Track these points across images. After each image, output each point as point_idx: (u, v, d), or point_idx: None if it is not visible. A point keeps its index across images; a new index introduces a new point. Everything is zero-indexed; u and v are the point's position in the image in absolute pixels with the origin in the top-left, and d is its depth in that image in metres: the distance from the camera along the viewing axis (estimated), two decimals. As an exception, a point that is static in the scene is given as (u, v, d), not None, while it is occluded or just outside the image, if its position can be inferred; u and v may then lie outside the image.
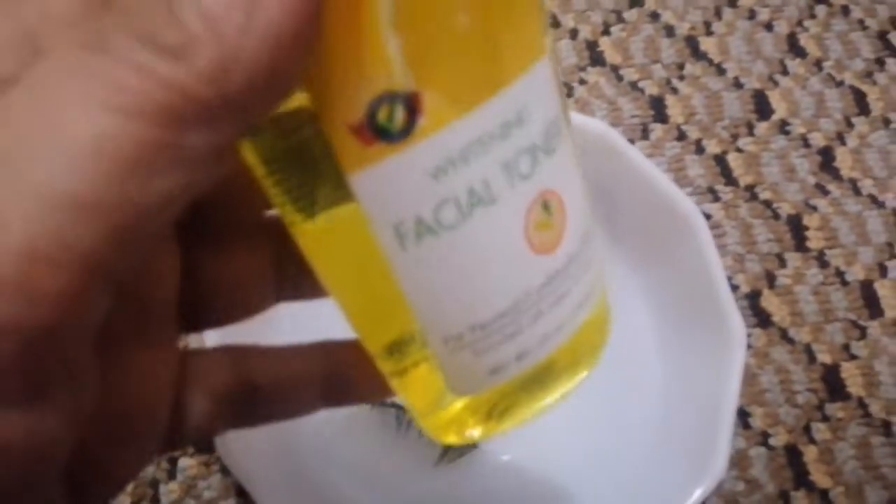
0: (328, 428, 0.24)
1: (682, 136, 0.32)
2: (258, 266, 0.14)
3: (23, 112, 0.09)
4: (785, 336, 0.29)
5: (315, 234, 0.12)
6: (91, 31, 0.09)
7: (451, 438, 0.14)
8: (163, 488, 0.25)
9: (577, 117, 0.26)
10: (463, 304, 0.12)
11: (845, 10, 0.35)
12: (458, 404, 0.14)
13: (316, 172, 0.11)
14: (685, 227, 0.24)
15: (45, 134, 0.08)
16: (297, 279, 0.14)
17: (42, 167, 0.08)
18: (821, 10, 0.35)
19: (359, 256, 0.12)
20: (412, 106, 0.10)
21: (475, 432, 0.14)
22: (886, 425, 0.28)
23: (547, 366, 0.13)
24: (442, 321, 0.12)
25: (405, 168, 0.11)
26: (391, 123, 0.10)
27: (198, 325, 0.14)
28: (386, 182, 0.11)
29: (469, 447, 0.25)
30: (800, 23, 0.35)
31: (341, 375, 0.15)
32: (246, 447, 0.21)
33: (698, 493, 0.22)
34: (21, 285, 0.08)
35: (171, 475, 0.26)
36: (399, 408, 0.24)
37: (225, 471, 0.25)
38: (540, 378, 0.13)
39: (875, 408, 0.28)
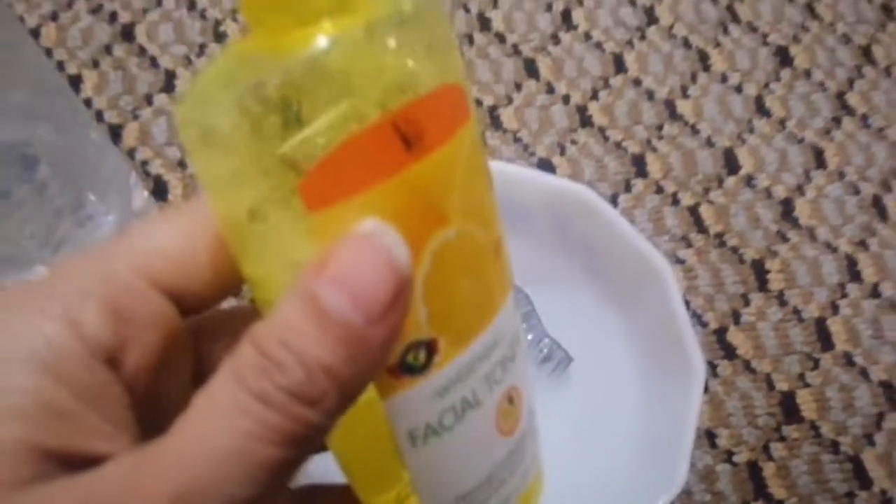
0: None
1: (660, 190, 0.37)
2: None
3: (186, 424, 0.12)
4: (748, 367, 0.34)
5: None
6: (257, 380, 0.12)
7: None
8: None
9: (565, 183, 0.31)
10: (453, 480, 0.16)
11: (807, 73, 0.40)
12: None
13: None
14: (656, 277, 0.29)
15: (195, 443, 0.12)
16: None
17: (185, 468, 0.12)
18: (786, 73, 0.40)
19: (373, 440, 0.15)
20: (431, 348, 0.14)
21: None
22: (835, 445, 0.33)
23: None
24: (437, 494, 0.16)
25: (422, 392, 0.14)
26: (416, 362, 0.14)
27: None
28: (407, 402, 0.14)
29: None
30: (766, 85, 0.40)
31: None
32: None
33: (663, 500, 0.26)
34: None
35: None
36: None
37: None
38: None
39: (825, 429, 0.33)
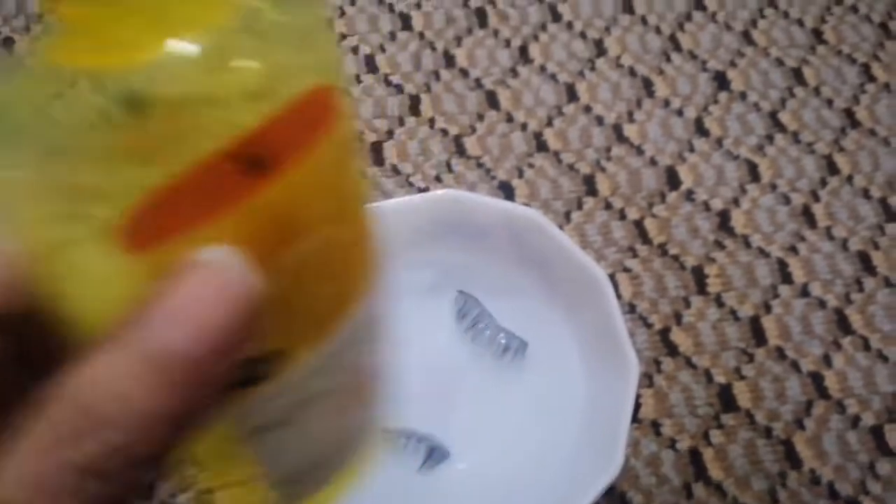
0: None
1: (609, 206, 0.41)
2: None
3: None
4: (689, 363, 0.38)
5: None
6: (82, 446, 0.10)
7: None
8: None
9: (517, 207, 0.35)
10: (297, 461, 0.16)
11: (743, 95, 0.45)
12: None
13: None
14: (597, 286, 0.34)
15: None
16: None
17: None
18: (723, 96, 0.45)
19: (218, 435, 0.14)
20: (277, 358, 0.14)
21: None
22: (769, 430, 0.37)
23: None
24: (280, 474, 0.16)
25: (267, 395, 0.14)
26: (262, 374, 0.14)
27: None
28: (252, 406, 0.14)
29: (443, 458, 0.34)
30: (706, 108, 0.44)
31: None
32: None
33: (603, 481, 0.30)
34: None
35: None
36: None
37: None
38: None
39: (760, 417, 0.37)
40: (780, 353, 0.38)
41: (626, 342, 0.32)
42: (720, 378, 0.38)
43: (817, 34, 0.47)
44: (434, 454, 0.34)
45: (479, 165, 0.42)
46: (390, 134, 0.43)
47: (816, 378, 0.38)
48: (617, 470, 0.31)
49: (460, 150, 0.43)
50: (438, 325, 0.37)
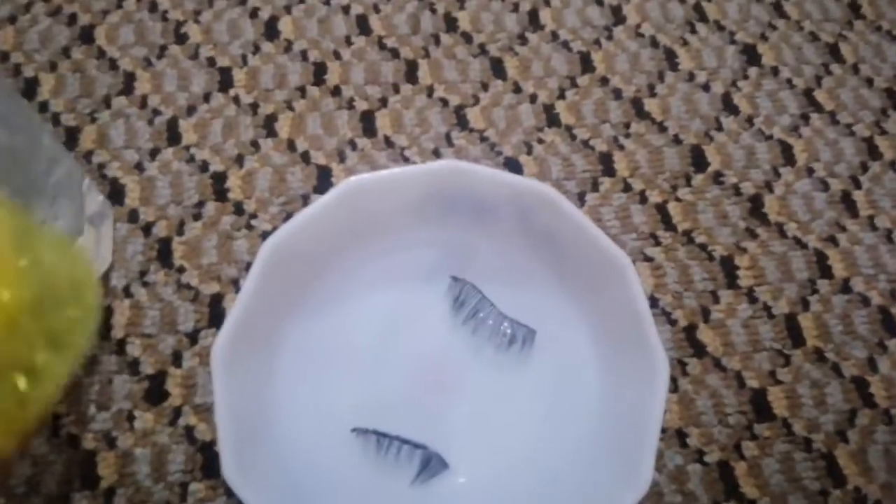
0: (316, 456, 0.28)
1: (627, 188, 0.37)
2: None
3: None
4: (718, 364, 0.34)
5: None
6: None
7: None
8: (172, 507, 0.30)
9: (530, 182, 0.31)
10: None
11: (775, 71, 0.41)
12: None
13: None
14: (618, 273, 0.29)
15: None
16: None
17: None
18: (753, 71, 0.41)
19: None
20: None
21: None
22: (807, 442, 0.32)
23: None
24: None
25: None
26: None
27: None
28: None
29: (441, 469, 0.30)
30: (734, 83, 0.40)
31: None
32: (249, 472, 0.25)
33: (629, 501, 0.26)
34: None
35: (183, 498, 0.30)
36: (378, 433, 0.29)
37: (230, 493, 0.29)
38: None
39: (798, 427, 0.33)
40: (820, 356, 0.34)
41: (653, 338, 0.28)
42: (753, 382, 0.33)
43: (854, 8, 0.43)
44: (430, 465, 0.29)
45: (483, 139, 0.38)
46: (383, 102, 0.39)
47: (860, 384, 0.33)
48: (645, 487, 0.26)
49: (462, 123, 0.38)
50: (433, 316, 0.32)
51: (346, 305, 0.31)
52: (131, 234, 0.34)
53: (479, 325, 0.31)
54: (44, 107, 0.37)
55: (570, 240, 0.30)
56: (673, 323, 0.34)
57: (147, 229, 0.35)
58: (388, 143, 0.38)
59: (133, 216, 0.35)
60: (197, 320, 0.33)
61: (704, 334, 0.34)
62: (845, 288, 0.35)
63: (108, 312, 0.33)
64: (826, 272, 0.36)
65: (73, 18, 0.40)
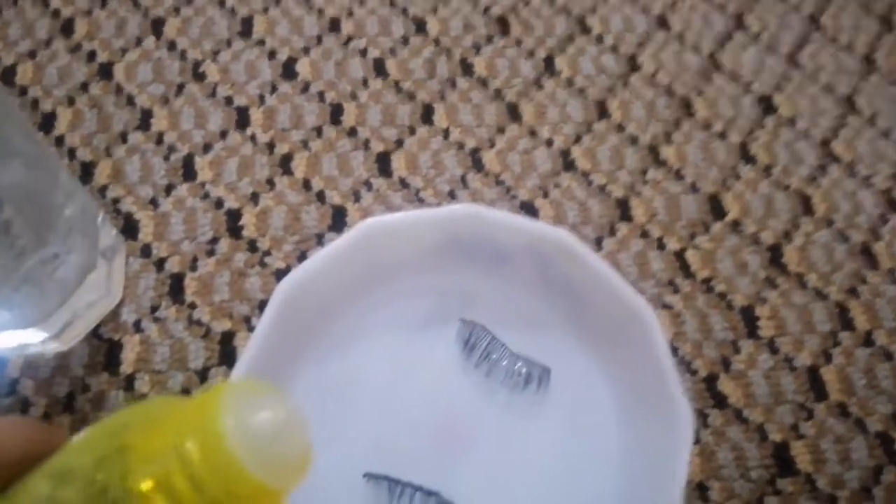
0: (332, 499, 0.27)
1: (645, 234, 0.37)
2: None
3: None
4: (739, 416, 0.33)
5: None
6: None
7: None
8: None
9: (550, 228, 0.30)
10: None
11: (791, 122, 0.41)
12: None
13: None
14: (638, 322, 0.29)
15: None
16: None
17: None
18: (770, 120, 0.41)
19: None
20: None
21: None
22: (832, 499, 0.31)
23: None
24: None
25: None
26: None
27: None
28: None
29: None
30: (751, 132, 0.40)
31: None
32: None
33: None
34: None
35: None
36: (391, 479, 0.28)
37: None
38: None
39: (822, 482, 0.32)
40: (843, 410, 0.33)
41: (676, 388, 0.27)
42: (775, 436, 0.32)
43: (869, 61, 0.43)
44: None
45: (499, 183, 0.38)
46: (399, 144, 0.39)
47: (885, 440, 0.33)
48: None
49: (477, 166, 0.38)
50: (445, 360, 0.32)
51: (358, 349, 0.30)
52: (144, 268, 0.34)
53: (493, 367, 0.31)
54: (60, 141, 0.37)
55: (589, 288, 0.30)
56: (693, 373, 0.34)
57: (160, 264, 0.34)
58: (404, 184, 0.37)
59: (146, 251, 0.35)
60: (207, 357, 0.32)
61: (725, 385, 0.33)
62: (868, 341, 0.35)
63: (117, 347, 0.32)
64: (848, 324, 0.35)
65: (92, 55, 0.40)
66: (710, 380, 0.33)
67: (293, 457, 0.16)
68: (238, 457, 0.14)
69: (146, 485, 0.14)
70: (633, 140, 0.40)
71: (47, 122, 0.38)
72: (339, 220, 0.36)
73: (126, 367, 0.32)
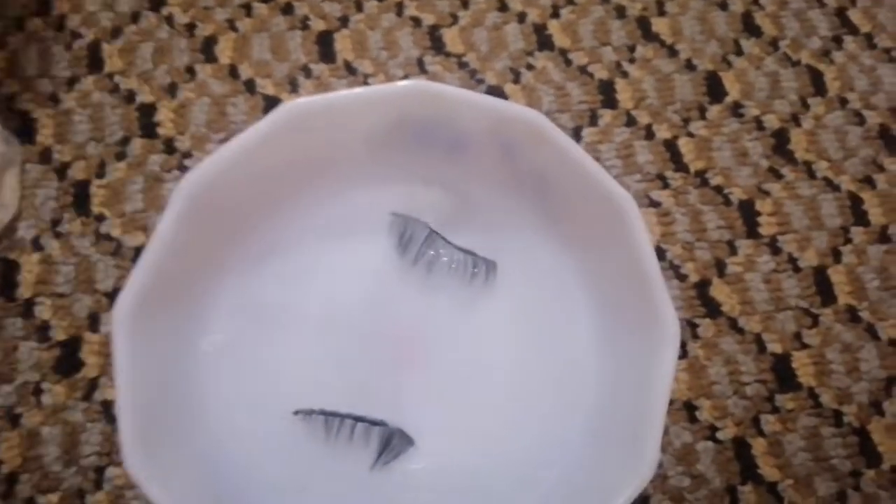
0: (252, 444, 0.25)
1: (631, 122, 0.33)
2: None
3: None
4: (734, 326, 0.30)
5: None
6: None
7: None
8: (89, 498, 0.26)
9: (516, 108, 0.26)
10: None
11: (803, -14, 0.36)
12: None
13: None
14: (619, 218, 0.25)
15: None
16: None
17: None
18: (778, -14, 0.36)
19: None
20: None
21: None
22: (837, 415, 0.29)
23: None
24: None
25: None
26: None
27: None
28: None
29: (405, 447, 0.26)
30: (755, 1, 0.36)
31: None
32: (163, 473, 0.21)
33: (631, 488, 0.22)
34: None
35: (98, 485, 0.26)
36: (326, 413, 0.25)
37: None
38: None
39: (826, 398, 0.29)
40: (853, 315, 0.30)
41: (660, 292, 0.24)
42: (775, 347, 0.30)
43: (895, -86, 0.38)
44: (392, 444, 0.26)
45: (462, 65, 0.34)
46: (344, 21, 0.34)
47: (899, 348, 0.30)
48: (650, 471, 0.23)
49: (437, 45, 0.34)
50: (382, 261, 0.28)
51: (287, 260, 0.27)
52: (43, 176, 0.30)
53: (433, 263, 0.27)
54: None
55: (562, 179, 0.26)
56: (682, 278, 0.30)
57: (62, 171, 0.31)
58: (349, 68, 0.33)
59: (45, 156, 0.31)
60: (118, 277, 0.29)
61: (719, 291, 0.30)
62: (883, 237, 0.32)
63: (13, 268, 0.29)
64: (861, 218, 0.32)
65: None
66: (702, 285, 0.30)
67: None
68: None
69: None
70: (620, 11, 0.35)
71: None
72: (273, 113, 0.32)
73: (24, 291, 0.28)
